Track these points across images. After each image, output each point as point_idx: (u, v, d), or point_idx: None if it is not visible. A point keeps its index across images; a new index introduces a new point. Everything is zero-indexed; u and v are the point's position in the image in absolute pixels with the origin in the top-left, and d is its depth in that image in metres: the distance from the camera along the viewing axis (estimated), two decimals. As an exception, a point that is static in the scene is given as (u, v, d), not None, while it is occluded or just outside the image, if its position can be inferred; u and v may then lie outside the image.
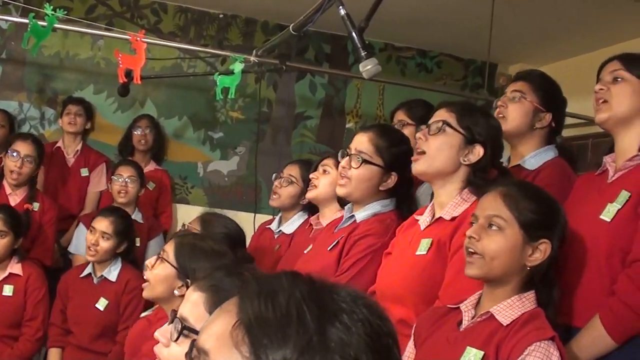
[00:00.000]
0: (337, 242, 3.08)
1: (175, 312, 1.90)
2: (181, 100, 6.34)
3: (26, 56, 5.94)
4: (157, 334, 1.97)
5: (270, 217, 4.83)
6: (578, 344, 2.51)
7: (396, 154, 3.08)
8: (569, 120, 4.98)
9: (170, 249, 2.81)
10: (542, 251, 2.26)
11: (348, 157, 3.09)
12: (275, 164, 5.85)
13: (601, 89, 2.68)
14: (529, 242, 2.26)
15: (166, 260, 2.79)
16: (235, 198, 6.36)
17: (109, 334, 4.40)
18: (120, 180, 5.16)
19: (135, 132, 5.97)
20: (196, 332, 1.76)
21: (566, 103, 3.23)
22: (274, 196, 4.32)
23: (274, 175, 4.40)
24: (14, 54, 6.02)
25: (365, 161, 3.04)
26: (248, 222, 4.92)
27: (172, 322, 1.92)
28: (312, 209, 4.01)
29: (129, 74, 4.68)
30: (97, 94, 6.16)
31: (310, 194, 3.79)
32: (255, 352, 1.04)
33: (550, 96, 3.14)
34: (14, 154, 4.89)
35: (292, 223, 4.25)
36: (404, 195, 3.17)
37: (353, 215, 3.13)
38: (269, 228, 4.47)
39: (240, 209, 5.94)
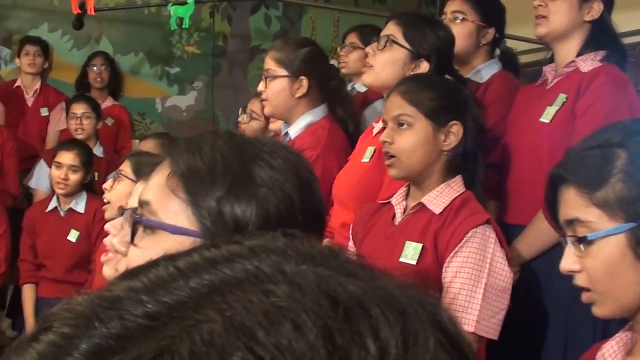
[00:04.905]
0: None
1: (123, 207, 1.83)
2: (136, 36, 6.32)
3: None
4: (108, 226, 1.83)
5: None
6: (523, 239, 2.63)
7: (301, 59, 3.05)
8: (527, 46, 5.06)
9: (126, 166, 2.83)
10: (454, 133, 2.29)
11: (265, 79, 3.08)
12: (232, 98, 5.90)
13: (540, 5, 2.73)
14: (438, 128, 2.28)
15: (126, 177, 2.82)
16: (194, 132, 6.32)
17: (83, 264, 4.41)
18: (74, 118, 5.17)
19: (91, 70, 5.94)
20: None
21: (505, 11, 3.23)
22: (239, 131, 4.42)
23: (240, 109, 4.48)
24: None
25: (270, 76, 3.04)
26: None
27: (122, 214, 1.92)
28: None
29: (82, 5, 4.69)
30: (52, 32, 6.10)
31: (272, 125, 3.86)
32: (190, 193, 1.18)
33: (490, 10, 3.14)
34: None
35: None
36: (332, 96, 3.15)
37: (287, 133, 3.11)
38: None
39: (200, 143, 5.96)
